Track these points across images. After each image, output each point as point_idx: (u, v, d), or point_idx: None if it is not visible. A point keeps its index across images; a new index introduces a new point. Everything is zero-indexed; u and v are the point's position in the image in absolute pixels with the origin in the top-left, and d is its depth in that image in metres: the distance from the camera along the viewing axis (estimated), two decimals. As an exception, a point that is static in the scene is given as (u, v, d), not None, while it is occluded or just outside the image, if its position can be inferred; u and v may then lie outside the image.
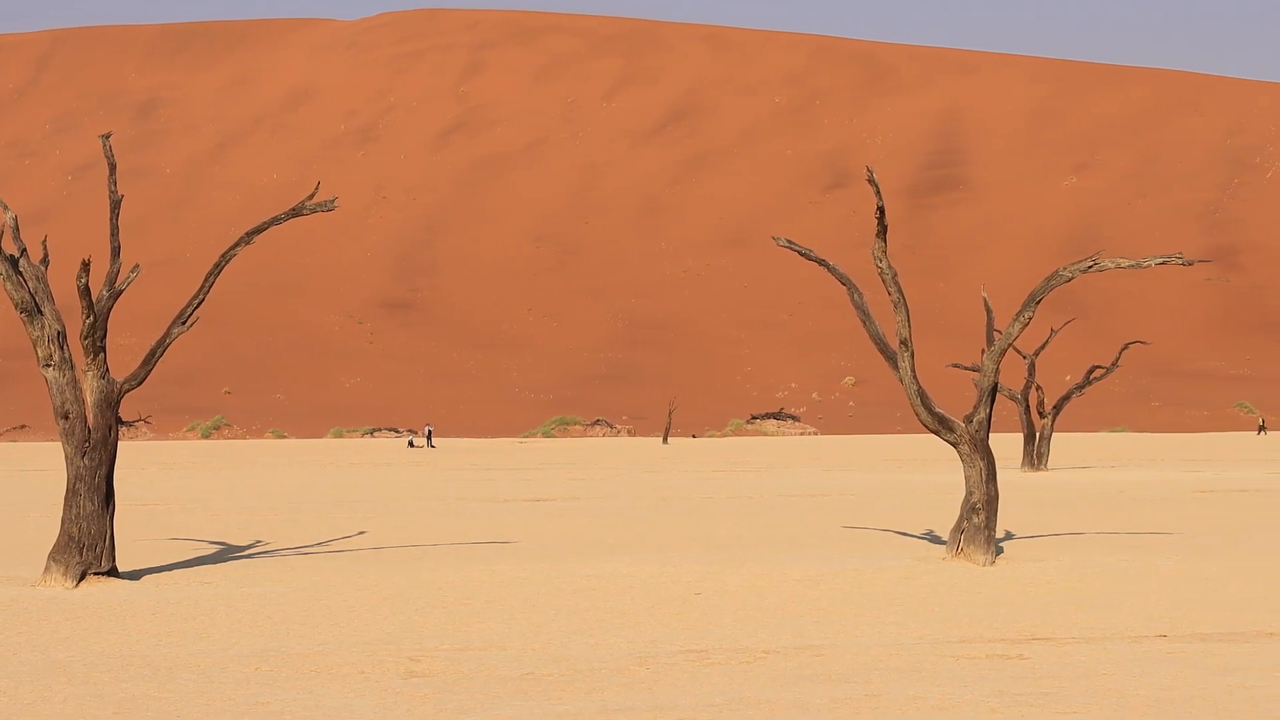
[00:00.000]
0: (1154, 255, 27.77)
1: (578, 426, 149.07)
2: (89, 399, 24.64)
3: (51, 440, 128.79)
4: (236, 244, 26.17)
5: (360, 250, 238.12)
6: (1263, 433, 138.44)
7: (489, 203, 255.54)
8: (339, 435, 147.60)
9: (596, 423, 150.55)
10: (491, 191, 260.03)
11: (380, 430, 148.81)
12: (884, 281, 27.07)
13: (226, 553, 29.51)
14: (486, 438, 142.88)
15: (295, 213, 26.58)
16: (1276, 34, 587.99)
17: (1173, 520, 36.24)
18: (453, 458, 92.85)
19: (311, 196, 26.84)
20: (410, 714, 14.68)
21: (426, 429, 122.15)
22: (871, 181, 27.00)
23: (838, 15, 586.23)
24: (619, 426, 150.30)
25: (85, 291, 24.23)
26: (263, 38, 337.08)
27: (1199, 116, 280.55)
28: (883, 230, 27.24)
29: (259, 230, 26.35)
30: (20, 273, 24.39)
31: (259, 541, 32.02)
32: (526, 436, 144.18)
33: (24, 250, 24.61)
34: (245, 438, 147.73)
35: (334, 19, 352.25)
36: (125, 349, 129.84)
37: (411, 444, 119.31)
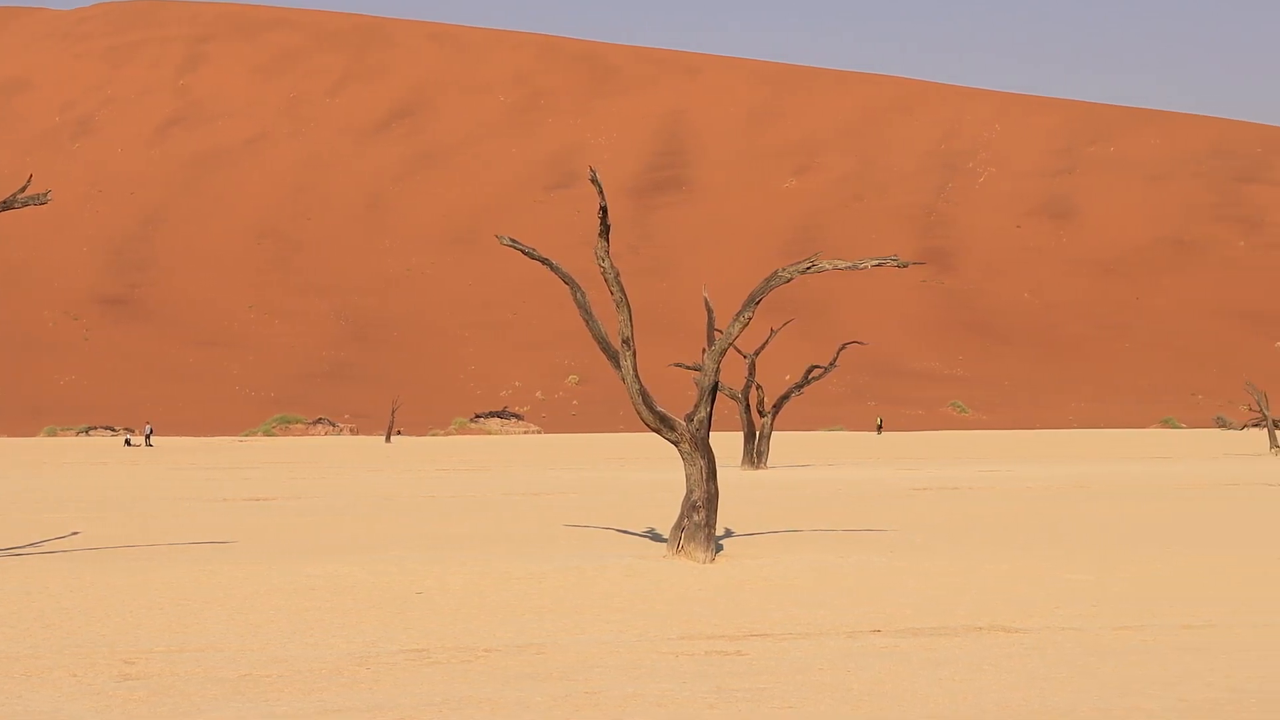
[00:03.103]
0: (870, 257, 28.24)
1: (299, 425, 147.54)
2: None
3: None
4: (-55, 237, 25.41)
5: (75, 245, 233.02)
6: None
7: (209, 198, 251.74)
8: (53, 434, 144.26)
9: (318, 421, 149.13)
10: (212, 186, 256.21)
11: (96, 429, 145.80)
12: (606, 281, 27.17)
13: (-67, 555, 28.67)
14: (206, 436, 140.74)
15: (6, 205, 25.91)
16: (989, 42, 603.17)
17: (887, 518, 36.93)
18: (171, 457, 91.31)
19: (23, 189, 26.19)
20: (125, 717, 14.40)
21: (146, 428, 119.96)
22: (594, 181, 27.08)
23: (564, 16, 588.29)
24: (341, 425, 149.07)
25: None
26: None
27: (914, 122, 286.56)
28: (605, 230, 27.33)
29: (-32, 223, 25.63)
30: None
31: (-33, 543, 31.16)
32: (247, 435, 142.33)
33: None
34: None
35: (48, 8, 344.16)
36: None
37: (129, 443, 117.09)
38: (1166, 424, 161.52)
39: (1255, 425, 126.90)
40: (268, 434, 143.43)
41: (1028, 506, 41.20)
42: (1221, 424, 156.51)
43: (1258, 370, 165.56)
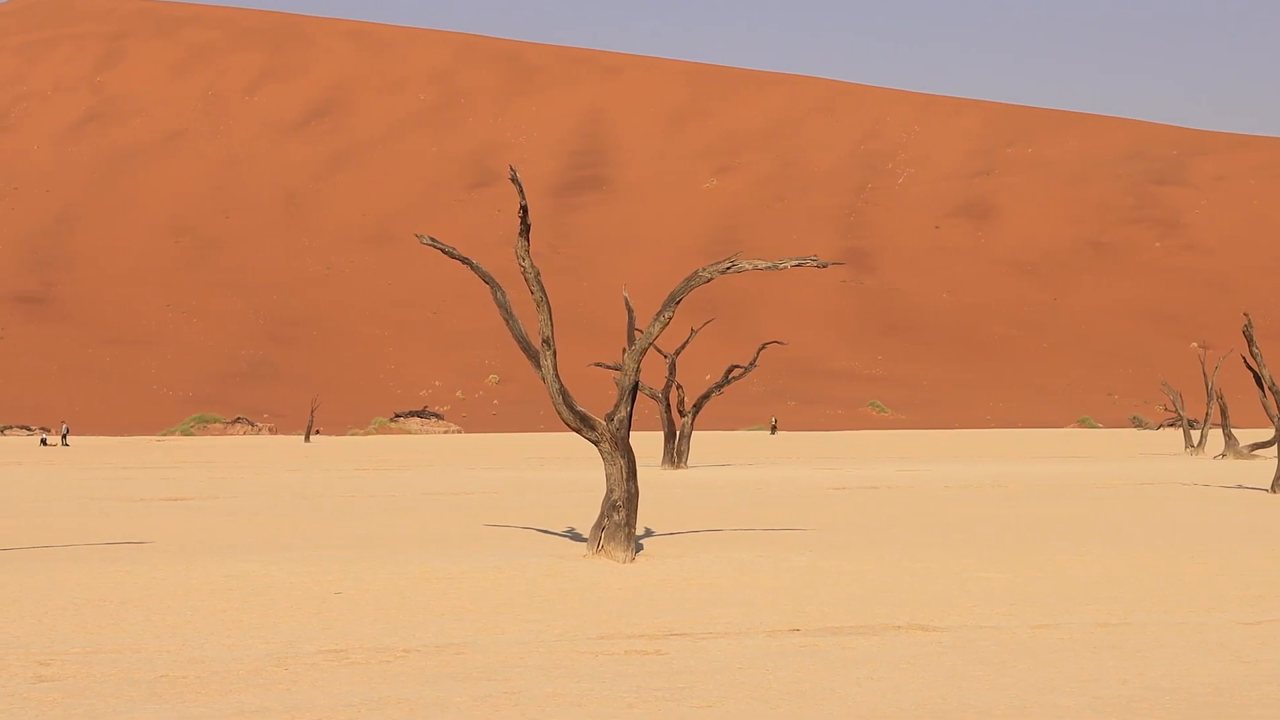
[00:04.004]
0: (790, 257, 28.28)
1: (218, 425, 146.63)
2: None
3: None
4: None
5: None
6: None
7: (126, 195, 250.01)
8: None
9: (237, 420, 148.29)
10: (129, 184, 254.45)
11: (11, 428, 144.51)
12: (526, 280, 27.15)
13: None
14: (123, 436, 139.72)
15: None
16: (909, 44, 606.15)
17: (806, 517, 37.03)
18: (88, 456, 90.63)
19: (-62, 186, 25.94)
20: (39, 719, 14.28)
21: (62, 427, 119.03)
22: (514, 180, 27.04)
23: (483, 14, 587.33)
24: (260, 425, 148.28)
25: None
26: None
27: (835, 123, 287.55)
28: (525, 229, 27.30)
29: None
30: None
31: (-120, 544, 30.82)
32: (165, 435, 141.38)
33: None
34: None
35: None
36: None
37: (44, 442, 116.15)
38: (1083, 424, 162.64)
39: (1171, 425, 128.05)
40: (185, 433, 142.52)
41: (946, 506, 41.41)
42: (1137, 424, 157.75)
43: (1173, 370, 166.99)
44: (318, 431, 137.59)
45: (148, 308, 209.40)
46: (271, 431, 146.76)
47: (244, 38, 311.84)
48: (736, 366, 73.74)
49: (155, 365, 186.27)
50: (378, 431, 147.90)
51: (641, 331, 30.43)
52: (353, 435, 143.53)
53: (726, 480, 56.56)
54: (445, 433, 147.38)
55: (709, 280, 27.85)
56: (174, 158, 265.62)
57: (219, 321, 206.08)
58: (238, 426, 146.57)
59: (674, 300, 27.72)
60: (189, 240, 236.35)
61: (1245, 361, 49.53)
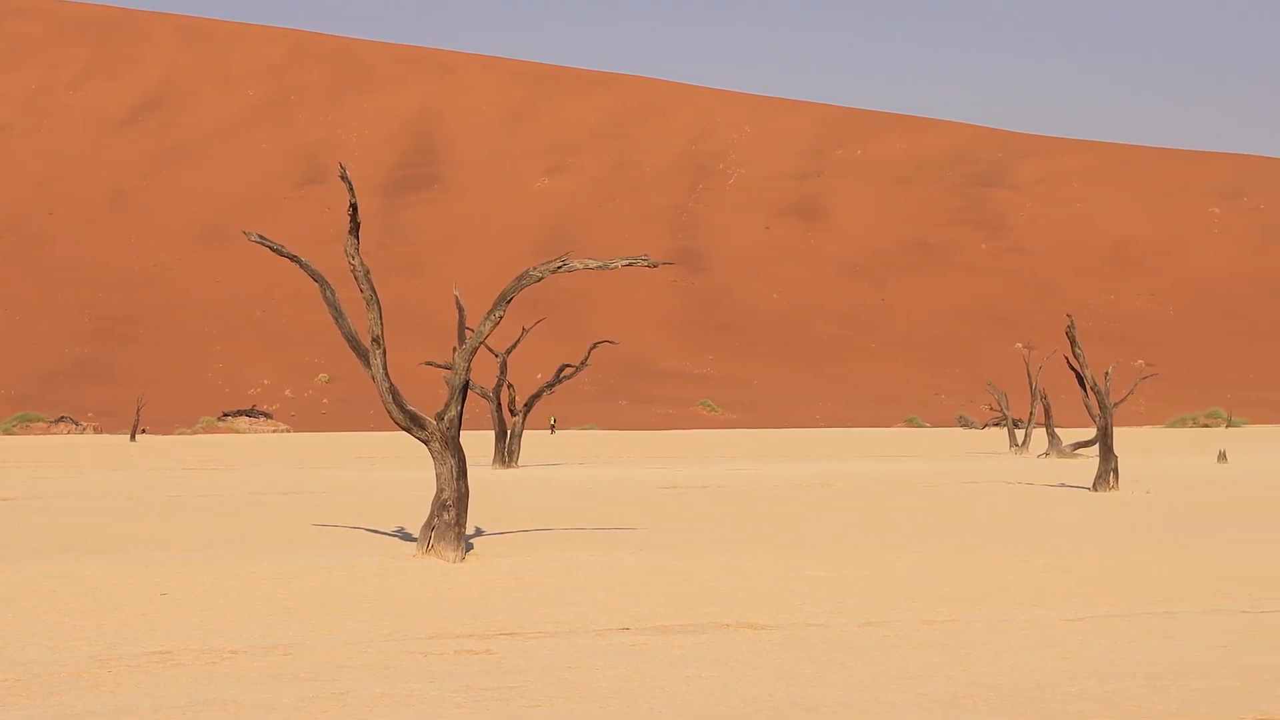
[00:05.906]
0: (621, 257, 28.34)
1: (41, 424, 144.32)
2: None
3: None
4: None
5: None
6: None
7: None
8: None
9: (61, 419, 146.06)
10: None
11: None
12: (356, 278, 27.00)
13: None
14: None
15: None
16: (740, 45, 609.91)
17: (638, 516, 37.12)
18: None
19: None
20: None
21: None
22: (344, 178, 26.89)
23: (315, 11, 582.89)
24: (85, 424, 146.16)
25: None
26: None
27: (667, 123, 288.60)
28: (355, 227, 27.16)
29: None
30: None
31: None
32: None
33: None
34: None
35: None
36: None
37: None
38: (911, 423, 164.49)
39: (996, 424, 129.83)
40: (7, 433, 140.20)
41: (775, 505, 41.70)
42: (964, 423, 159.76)
43: (998, 370, 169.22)
44: (144, 431, 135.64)
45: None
46: (97, 431, 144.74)
47: (72, 32, 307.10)
48: (568, 366, 73.79)
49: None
50: (205, 431, 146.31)
51: (472, 330, 30.40)
52: (180, 434, 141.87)
53: (557, 479, 56.57)
54: (274, 432, 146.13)
55: (540, 279, 27.85)
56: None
57: (44, 319, 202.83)
58: (61, 425, 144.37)
59: (505, 299, 27.71)
60: (13, 237, 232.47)
61: (1068, 362, 50.35)
